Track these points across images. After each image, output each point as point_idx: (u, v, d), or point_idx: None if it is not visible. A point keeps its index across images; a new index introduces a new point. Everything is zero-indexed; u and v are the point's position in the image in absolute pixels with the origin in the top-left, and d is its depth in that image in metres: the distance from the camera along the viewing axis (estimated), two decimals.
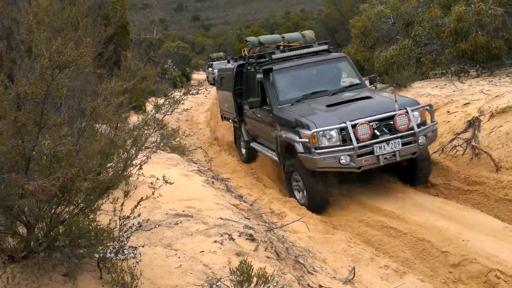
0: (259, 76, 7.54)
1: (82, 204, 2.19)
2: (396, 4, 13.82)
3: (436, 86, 9.98)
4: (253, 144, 8.65)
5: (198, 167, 6.95)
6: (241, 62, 9.02)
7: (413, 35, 12.41)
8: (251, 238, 3.66)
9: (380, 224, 5.42)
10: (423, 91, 9.62)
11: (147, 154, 2.93)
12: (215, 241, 3.34)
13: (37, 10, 3.27)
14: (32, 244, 2.14)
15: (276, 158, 7.22)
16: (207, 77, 30.02)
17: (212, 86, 28.74)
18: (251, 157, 9.18)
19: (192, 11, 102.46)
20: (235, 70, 8.93)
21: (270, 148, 7.69)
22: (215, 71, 28.15)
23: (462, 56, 10.62)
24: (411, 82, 10.65)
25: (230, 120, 10.08)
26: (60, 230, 2.16)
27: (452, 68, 11.29)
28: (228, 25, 75.79)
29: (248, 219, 4.55)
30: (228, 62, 27.98)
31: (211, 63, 29.94)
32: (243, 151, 9.56)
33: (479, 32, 10.14)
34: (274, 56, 7.78)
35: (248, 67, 8.37)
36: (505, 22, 10.22)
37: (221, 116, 10.94)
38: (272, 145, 7.37)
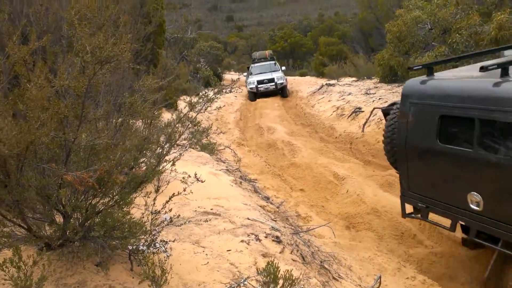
0: None
1: (117, 197, 2.25)
2: (433, 10, 13.52)
3: None
4: None
5: (226, 167, 7.01)
6: None
7: (450, 42, 12.11)
8: (278, 240, 3.67)
9: None
10: None
11: (180, 151, 2.99)
12: (242, 241, 3.36)
13: (79, 6, 3.38)
14: (68, 233, 2.21)
15: None
16: (246, 85, 21.54)
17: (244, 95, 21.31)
18: None
19: (226, 12, 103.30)
20: None
21: None
22: (254, 78, 20.27)
23: None
24: None
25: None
26: (96, 221, 2.23)
27: None
28: (261, 26, 75.95)
29: (275, 221, 4.56)
30: (275, 63, 21.78)
31: (251, 65, 22.66)
32: None
33: None
34: None
35: None
36: None
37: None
38: None
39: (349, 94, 15.38)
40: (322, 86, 19.54)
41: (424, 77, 4.38)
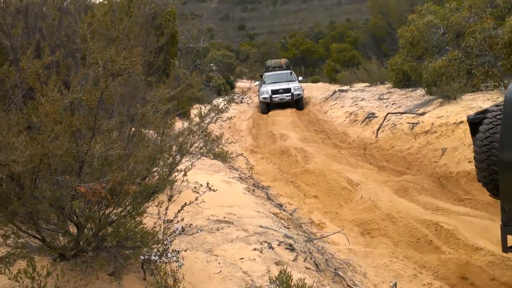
0: None
1: (129, 207, 2.27)
2: (446, 14, 13.43)
3: (488, 99, 9.59)
4: None
5: (239, 174, 7.02)
6: None
7: (464, 46, 12.00)
8: (291, 248, 3.65)
9: None
10: (474, 104, 9.27)
11: (192, 160, 3.01)
12: (255, 249, 3.36)
13: (91, 20, 3.45)
14: (81, 243, 2.24)
15: None
16: (258, 95, 20.07)
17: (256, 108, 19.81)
18: None
19: (237, 21, 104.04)
20: None
21: None
22: (268, 87, 18.79)
23: None
24: (461, 94, 10.29)
25: None
26: (108, 231, 2.25)
27: (505, 81, 10.80)
28: (272, 35, 76.20)
29: (288, 228, 4.54)
30: (291, 73, 19.66)
31: (265, 74, 21.17)
32: None
33: None
34: None
35: None
36: None
37: None
38: None
39: (362, 99, 15.30)
40: (335, 92, 19.48)
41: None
